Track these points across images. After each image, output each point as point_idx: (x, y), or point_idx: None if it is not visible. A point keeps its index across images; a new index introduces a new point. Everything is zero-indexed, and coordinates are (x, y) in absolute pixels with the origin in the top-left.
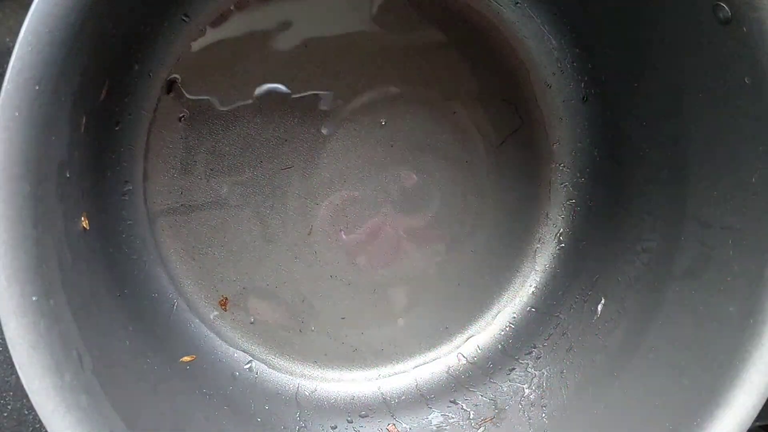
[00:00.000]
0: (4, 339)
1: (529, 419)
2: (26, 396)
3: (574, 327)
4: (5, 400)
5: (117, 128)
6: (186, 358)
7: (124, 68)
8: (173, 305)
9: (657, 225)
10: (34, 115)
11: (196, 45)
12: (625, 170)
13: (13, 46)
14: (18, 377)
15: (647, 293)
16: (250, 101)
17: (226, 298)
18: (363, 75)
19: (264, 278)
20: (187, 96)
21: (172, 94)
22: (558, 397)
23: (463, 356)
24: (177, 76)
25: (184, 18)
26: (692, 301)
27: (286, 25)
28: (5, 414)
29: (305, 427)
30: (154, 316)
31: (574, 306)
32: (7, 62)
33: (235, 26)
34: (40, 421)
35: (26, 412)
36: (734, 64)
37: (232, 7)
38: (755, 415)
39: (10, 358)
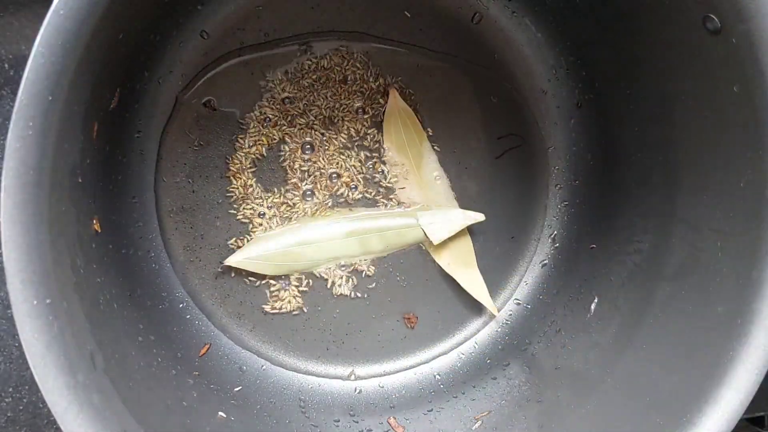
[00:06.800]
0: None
1: (525, 414)
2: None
3: (568, 324)
4: (21, 394)
5: (128, 134)
6: (202, 351)
7: (134, 76)
8: (182, 304)
9: (648, 227)
10: (47, 125)
11: (207, 54)
12: (617, 174)
13: (28, 54)
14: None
15: (638, 293)
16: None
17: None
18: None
19: (270, 278)
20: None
21: (208, 110)
22: (553, 392)
23: (461, 353)
24: (212, 98)
25: (203, 35)
26: (682, 301)
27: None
28: (21, 407)
29: (309, 420)
30: (163, 314)
31: (568, 304)
32: (23, 69)
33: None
34: None
35: (41, 406)
36: (723, 72)
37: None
38: (743, 412)
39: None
